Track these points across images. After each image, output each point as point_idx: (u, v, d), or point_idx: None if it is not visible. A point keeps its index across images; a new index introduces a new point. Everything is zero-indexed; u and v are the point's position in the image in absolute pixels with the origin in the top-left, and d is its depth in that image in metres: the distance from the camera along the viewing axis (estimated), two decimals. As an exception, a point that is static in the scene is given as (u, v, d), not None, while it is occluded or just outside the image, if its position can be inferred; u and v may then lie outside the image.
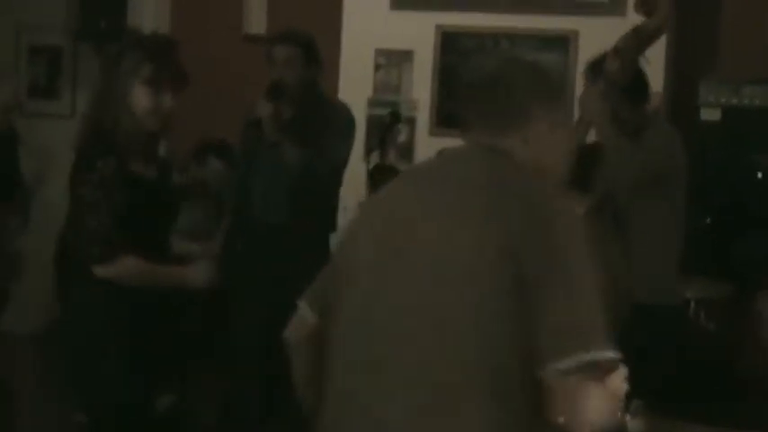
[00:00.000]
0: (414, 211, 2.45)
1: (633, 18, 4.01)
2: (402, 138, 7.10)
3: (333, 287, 2.60)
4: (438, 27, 7.08)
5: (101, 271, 3.53)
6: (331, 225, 5.53)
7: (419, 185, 2.55)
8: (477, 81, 2.58)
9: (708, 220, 6.18)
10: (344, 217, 5.67)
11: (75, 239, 3.66)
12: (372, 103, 7.16)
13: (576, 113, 4.41)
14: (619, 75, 4.04)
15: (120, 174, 3.52)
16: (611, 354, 2.22)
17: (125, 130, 3.56)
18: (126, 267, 3.55)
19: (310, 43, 5.30)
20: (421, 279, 2.34)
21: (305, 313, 2.74)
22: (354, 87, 7.02)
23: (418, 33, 7.09)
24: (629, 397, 2.60)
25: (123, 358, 3.54)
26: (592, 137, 4.38)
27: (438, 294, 2.31)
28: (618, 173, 4.25)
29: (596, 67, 4.40)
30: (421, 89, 7.16)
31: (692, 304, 5.40)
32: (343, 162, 5.34)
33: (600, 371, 2.21)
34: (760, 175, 6.21)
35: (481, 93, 2.56)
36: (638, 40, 3.94)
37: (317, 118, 5.26)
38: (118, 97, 3.57)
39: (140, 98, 3.57)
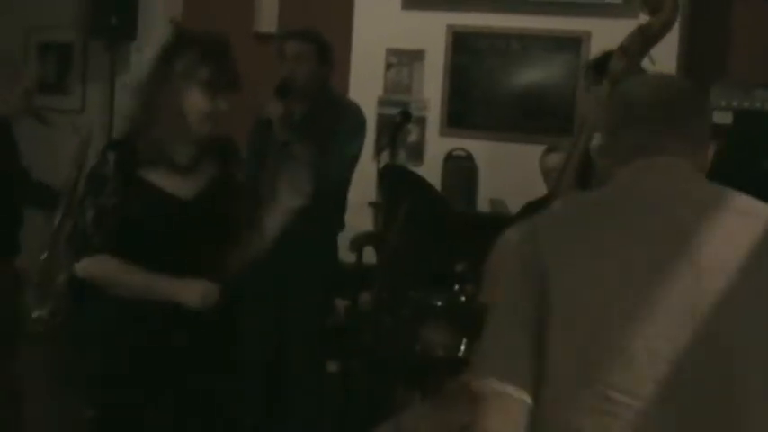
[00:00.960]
0: (660, 239, 2.18)
1: (645, 19, 3.99)
2: (412, 137, 7.10)
3: (546, 353, 2.14)
4: (449, 27, 7.08)
5: (76, 268, 3.42)
6: (340, 224, 5.53)
7: (642, 211, 2.24)
8: (663, 102, 2.42)
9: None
10: (353, 216, 5.68)
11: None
12: (383, 102, 7.16)
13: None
14: (624, 74, 4.03)
15: (134, 179, 3.36)
16: None
17: (171, 135, 3.38)
18: (100, 267, 3.41)
19: (322, 41, 5.30)
20: (707, 311, 2.10)
21: (519, 397, 2.16)
22: (365, 87, 7.02)
23: (429, 33, 7.09)
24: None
25: (130, 362, 3.45)
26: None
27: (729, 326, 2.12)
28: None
29: (597, 68, 4.39)
30: (432, 89, 7.16)
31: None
32: (354, 161, 5.34)
33: None
34: (771, 178, 6.20)
35: (671, 113, 2.41)
36: (643, 39, 3.92)
37: (328, 117, 5.25)
38: (169, 100, 3.36)
39: (195, 102, 3.36)
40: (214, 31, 3.62)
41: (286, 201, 3.55)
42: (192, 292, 3.39)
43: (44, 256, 5.14)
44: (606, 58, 4.52)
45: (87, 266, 3.40)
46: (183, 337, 3.41)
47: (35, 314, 5.12)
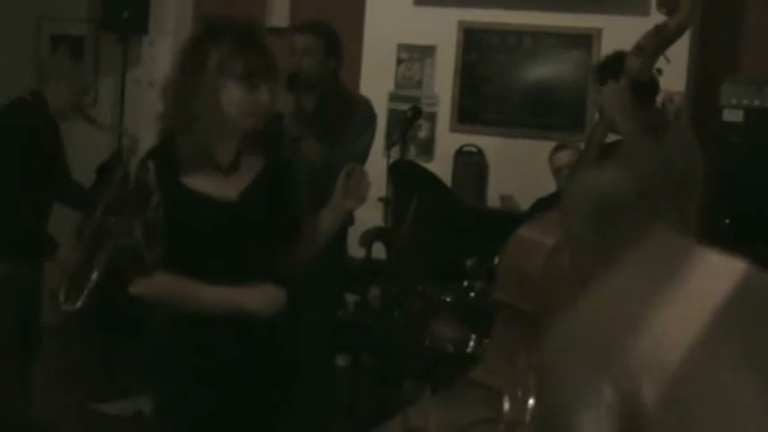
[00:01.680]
0: None
1: (657, 16, 3.99)
2: (423, 133, 7.11)
3: None
4: (460, 23, 7.08)
5: (132, 290, 3.14)
6: (349, 220, 5.53)
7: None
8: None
9: (727, 221, 6.16)
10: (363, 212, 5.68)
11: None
12: (393, 97, 7.16)
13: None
14: (640, 72, 4.03)
15: (177, 186, 3.10)
16: None
17: (212, 135, 3.12)
18: (159, 287, 3.15)
19: (331, 34, 5.29)
20: None
21: None
22: (376, 82, 7.03)
23: (441, 29, 7.09)
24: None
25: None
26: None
27: None
28: (637, 167, 4.23)
29: (604, 69, 4.40)
30: (442, 85, 7.17)
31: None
32: (364, 156, 5.33)
33: None
34: (781, 176, 6.19)
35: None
36: (659, 38, 3.92)
37: (339, 112, 5.26)
38: (206, 97, 3.07)
39: (234, 96, 3.09)
40: (244, 17, 3.37)
41: (346, 203, 3.36)
42: (260, 299, 3.17)
43: (76, 253, 5.19)
44: (613, 59, 4.54)
45: (146, 288, 3.14)
46: (251, 346, 3.18)
47: (64, 309, 5.17)
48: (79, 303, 5.15)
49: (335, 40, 5.31)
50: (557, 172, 5.41)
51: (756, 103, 6.28)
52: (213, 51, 3.08)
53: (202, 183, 3.13)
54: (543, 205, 5.03)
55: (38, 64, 5.86)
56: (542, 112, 6.95)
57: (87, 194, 5.32)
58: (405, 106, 6.38)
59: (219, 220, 3.14)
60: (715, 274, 2.15)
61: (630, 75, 3.99)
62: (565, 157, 5.34)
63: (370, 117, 5.40)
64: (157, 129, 3.23)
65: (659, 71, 4.08)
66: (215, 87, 3.07)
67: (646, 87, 4.18)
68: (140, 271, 3.12)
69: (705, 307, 2.05)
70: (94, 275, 5.16)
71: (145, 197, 3.09)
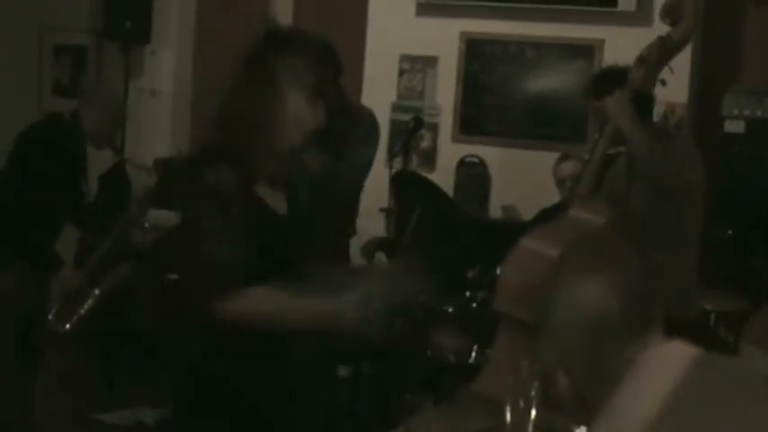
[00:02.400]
0: None
1: (659, 27, 4.01)
2: (425, 144, 7.11)
3: None
4: (462, 34, 7.09)
5: (222, 310, 2.82)
6: (351, 230, 5.53)
7: None
8: None
9: (729, 232, 6.16)
10: (365, 222, 5.68)
11: (187, 269, 3.02)
12: (396, 108, 7.17)
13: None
14: (643, 83, 4.04)
15: (249, 198, 2.91)
16: None
17: (269, 146, 2.95)
18: (256, 302, 2.86)
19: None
20: None
21: None
22: (378, 92, 7.03)
23: (443, 40, 7.10)
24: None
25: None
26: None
27: None
28: (651, 173, 4.23)
29: (601, 82, 4.41)
30: (444, 95, 7.17)
31: (713, 317, 5.38)
32: (367, 167, 5.34)
33: None
34: (783, 187, 6.19)
35: None
36: (663, 50, 3.93)
37: (342, 123, 5.26)
38: (266, 105, 2.92)
39: (298, 109, 2.97)
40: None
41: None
42: (355, 310, 2.94)
43: (77, 276, 5.21)
44: (607, 73, 4.55)
45: (242, 307, 2.83)
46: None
47: (67, 326, 5.18)
48: (68, 326, 5.16)
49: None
50: (560, 182, 5.42)
51: (758, 113, 6.28)
52: (286, 62, 2.94)
53: (265, 195, 2.99)
54: (547, 216, 5.03)
55: (84, 88, 5.80)
56: (544, 123, 6.95)
57: (100, 221, 5.33)
58: (407, 117, 6.40)
59: (287, 235, 2.99)
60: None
61: (634, 86, 4.00)
62: (569, 167, 5.35)
63: (374, 128, 5.40)
64: (206, 136, 3.06)
65: (663, 82, 4.08)
66: (283, 98, 2.94)
67: (643, 100, 4.18)
68: (233, 289, 2.82)
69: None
70: (89, 302, 5.19)
71: (220, 208, 2.86)
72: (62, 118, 5.19)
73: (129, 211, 5.36)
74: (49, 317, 5.12)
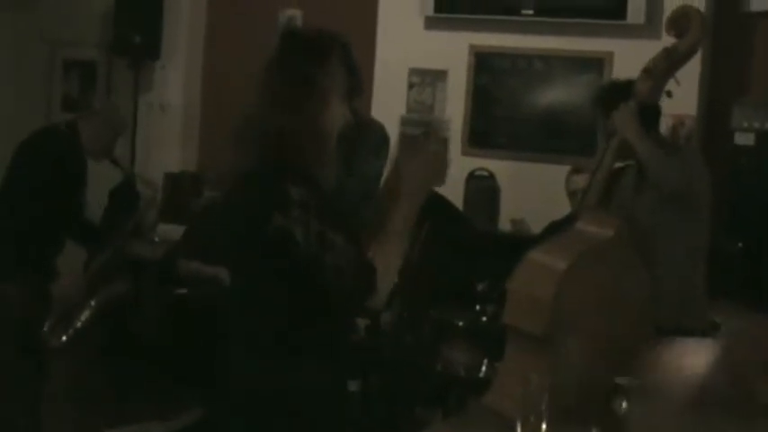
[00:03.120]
0: None
1: (668, 40, 4.00)
2: (434, 157, 7.10)
3: None
4: (472, 47, 7.09)
5: (378, 300, 2.86)
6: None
7: None
8: None
9: (740, 245, 6.14)
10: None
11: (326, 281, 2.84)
12: (405, 121, 7.16)
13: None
14: (650, 95, 4.04)
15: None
16: None
17: (326, 156, 2.97)
18: (384, 271, 2.91)
19: None
20: None
21: None
22: (388, 106, 7.03)
23: (452, 53, 7.10)
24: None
25: None
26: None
27: None
28: (662, 182, 4.24)
29: (608, 95, 4.41)
30: (454, 108, 7.17)
31: (722, 329, 5.36)
32: (377, 180, 5.33)
33: None
34: (793, 200, 6.17)
35: None
36: (669, 61, 3.93)
37: (351, 135, 5.25)
38: (317, 115, 2.88)
39: (337, 114, 2.96)
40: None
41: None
42: None
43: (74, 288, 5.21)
44: (614, 87, 4.55)
45: (384, 284, 2.88)
46: None
47: (63, 338, 5.18)
48: (64, 339, 5.15)
49: None
50: (572, 195, 5.42)
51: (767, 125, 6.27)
52: (323, 64, 2.90)
53: None
54: (556, 229, 5.02)
55: (96, 111, 5.80)
56: (554, 136, 6.95)
57: (97, 234, 5.33)
58: (416, 130, 6.39)
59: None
60: None
61: (640, 98, 4.00)
62: (580, 181, 5.34)
63: (383, 140, 5.41)
64: (235, 148, 2.96)
65: (669, 94, 4.08)
66: (325, 103, 2.91)
67: (649, 112, 4.19)
68: (370, 284, 2.86)
69: None
70: (84, 316, 5.18)
71: (317, 217, 2.82)
72: (58, 128, 5.19)
73: (131, 223, 5.36)
74: (44, 329, 5.12)
